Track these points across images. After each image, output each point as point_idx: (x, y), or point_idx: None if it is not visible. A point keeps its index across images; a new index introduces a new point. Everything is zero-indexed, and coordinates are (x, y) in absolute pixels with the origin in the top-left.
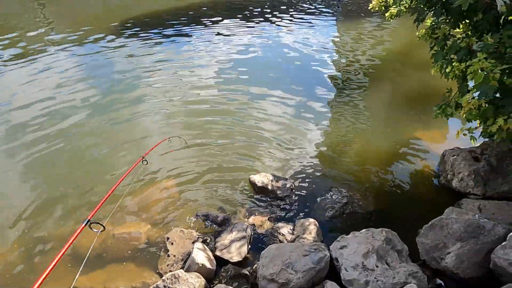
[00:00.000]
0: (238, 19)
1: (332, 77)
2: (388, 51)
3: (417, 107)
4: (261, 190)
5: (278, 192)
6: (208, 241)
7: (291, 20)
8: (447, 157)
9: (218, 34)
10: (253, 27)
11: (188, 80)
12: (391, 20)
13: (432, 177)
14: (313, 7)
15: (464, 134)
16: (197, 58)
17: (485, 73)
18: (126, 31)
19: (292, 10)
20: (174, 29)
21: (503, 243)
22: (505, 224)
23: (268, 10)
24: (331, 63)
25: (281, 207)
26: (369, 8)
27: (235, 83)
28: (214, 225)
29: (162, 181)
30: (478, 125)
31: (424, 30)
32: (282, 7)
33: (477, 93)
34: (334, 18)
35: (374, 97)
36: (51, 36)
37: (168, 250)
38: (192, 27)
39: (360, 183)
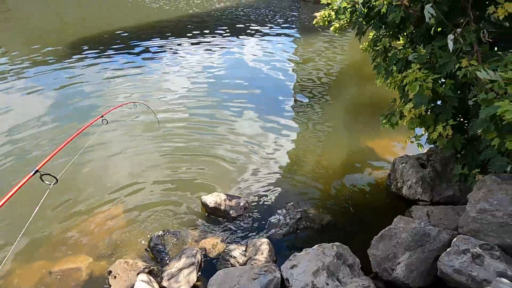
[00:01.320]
0: (201, 36)
1: (292, 90)
2: (343, 62)
3: (370, 116)
4: (214, 211)
5: (231, 212)
6: (154, 271)
7: (252, 35)
8: (397, 165)
9: (180, 51)
10: (216, 43)
11: (151, 96)
12: (337, 34)
13: (384, 186)
14: (273, 22)
15: (412, 142)
16: (159, 75)
17: (419, 83)
18: (85, 49)
19: (254, 26)
20: (138, 46)
21: (448, 250)
22: (450, 229)
23: (229, 27)
24: (291, 76)
25: (234, 227)
26: (313, 23)
27: (197, 98)
28: (162, 253)
29: (107, 205)
30: (424, 132)
31: (366, 43)
32: (243, 24)
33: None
34: (293, 33)
35: (331, 108)
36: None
37: (110, 286)
38: (155, 44)
39: (315, 196)
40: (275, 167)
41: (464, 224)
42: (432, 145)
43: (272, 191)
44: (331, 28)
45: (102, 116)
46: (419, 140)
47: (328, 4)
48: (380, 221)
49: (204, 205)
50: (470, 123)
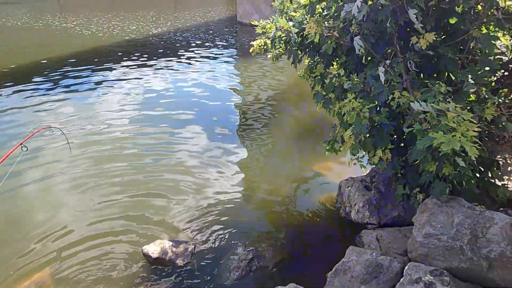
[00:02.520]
0: (140, 62)
1: (236, 114)
2: (286, 83)
3: (314, 138)
4: (157, 261)
5: (178, 260)
6: None
7: (193, 60)
8: (343, 189)
9: (118, 77)
10: (155, 69)
11: (87, 126)
12: (274, 62)
13: (334, 212)
14: (214, 46)
15: (355, 163)
16: (98, 104)
17: (356, 112)
18: (9, 80)
19: (194, 50)
20: (69, 74)
21: (401, 280)
22: (400, 254)
23: (169, 52)
24: (235, 100)
25: (182, 277)
26: (250, 51)
27: (135, 124)
28: None
29: (32, 264)
30: (365, 154)
31: (303, 70)
32: (183, 48)
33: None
34: (234, 56)
35: (276, 131)
36: None
37: None
38: (93, 71)
39: (265, 230)
40: (222, 200)
41: (413, 249)
42: (374, 165)
43: (221, 228)
44: (268, 56)
45: (21, 144)
46: (361, 161)
47: (263, 33)
48: (334, 251)
49: (146, 256)
50: (407, 147)
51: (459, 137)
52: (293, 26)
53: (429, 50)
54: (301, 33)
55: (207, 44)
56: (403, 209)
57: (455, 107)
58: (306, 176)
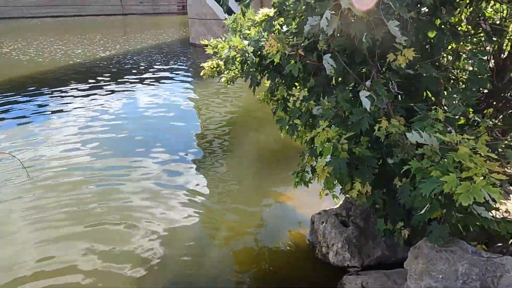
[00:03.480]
0: (88, 87)
1: (194, 139)
2: (247, 104)
3: (278, 164)
4: None
5: None
6: None
7: (146, 83)
8: (316, 225)
9: (65, 103)
10: (106, 94)
11: (37, 152)
12: (228, 86)
13: (307, 252)
14: (167, 69)
15: (326, 194)
16: (41, 131)
17: (333, 143)
18: None
19: (147, 73)
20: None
21: None
22: None
23: (119, 76)
24: (192, 124)
25: None
26: (201, 75)
27: (84, 152)
28: None
29: None
30: (336, 183)
31: (263, 93)
32: (135, 72)
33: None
34: (190, 78)
35: (237, 159)
36: None
37: None
38: (37, 96)
39: (232, 279)
40: (181, 238)
41: None
42: (348, 195)
43: (183, 274)
44: (222, 80)
45: None
46: (334, 192)
47: (215, 53)
48: None
49: None
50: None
51: (480, 183)
52: (249, 44)
53: (409, 69)
54: (259, 52)
55: (160, 66)
56: (386, 247)
57: (467, 139)
58: (272, 208)
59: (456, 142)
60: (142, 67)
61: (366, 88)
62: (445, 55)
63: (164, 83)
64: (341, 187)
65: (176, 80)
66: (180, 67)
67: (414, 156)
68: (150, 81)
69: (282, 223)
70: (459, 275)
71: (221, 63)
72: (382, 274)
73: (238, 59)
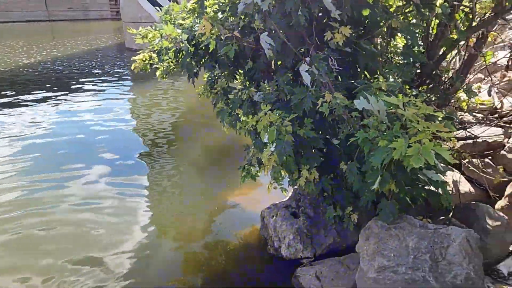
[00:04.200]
0: (10, 99)
1: (136, 144)
2: (187, 106)
3: (226, 163)
4: None
5: None
6: None
7: (80, 91)
8: (266, 220)
9: None
10: (33, 102)
11: None
12: (164, 79)
13: (260, 248)
14: (103, 74)
15: (275, 188)
16: None
17: (276, 127)
18: None
19: (81, 80)
20: None
21: None
22: None
23: (49, 84)
24: (134, 129)
25: None
26: (132, 68)
27: (16, 167)
28: None
29: None
30: (284, 174)
31: (202, 86)
32: (67, 79)
33: (274, 147)
34: (128, 82)
35: (184, 160)
36: None
37: None
38: None
39: (183, 281)
40: (128, 242)
41: None
42: (296, 187)
43: (131, 278)
44: (157, 74)
45: None
46: (282, 184)
47: (146, 45)
48: None
49: None
50: (335, 162)
51: (429, 144)
52: (183, 32)
53: (346, 47)
54: (194, 41)
55: (94, 71)
56: (337, 234)
57: (415, 101)
58: (221, 208)
59: (403, 105)
60: (75, 73)
61: (306, 63)
62: (382, 31)
63: (99, 88)
64: (289, 179)
65: (112, 84)
66: (116, 71)
67: (360, 128)
68: (84, 87)
69: (232, 222)
70: (410, 250)
71: (154, 55)
72: (335, 261)
73: (171, 50)
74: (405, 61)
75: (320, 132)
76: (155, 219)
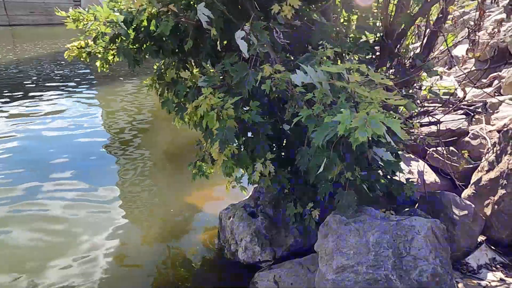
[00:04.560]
0: None
1: (100, 148)
2: (150, 106)
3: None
4: None
5: None
6: None
7: (40, 96)
8: (224, 222)
9: None
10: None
11: None
12: (105, 70)
13: (217, 253)
14: (64, 78)
15: (233, 186)
16: None
17: (216, 112)
18: None
19: (40, 84)
20: None
21: None
22: None
23: (8, 87)
24: (99, 133)
25: None
26: (65, 56)
27: None
28: None
29: None
30: (243, 171)
31: (150, 77)
32: (22, 85)
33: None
34: (92, 84)
35: (139, 163)
36: None
37: None
38: None
39: None
40: (74, 255)
41: None
42: (256, 185)
43: None
44: (97, 64)
45: None
46: (241, 182)
47: (86, 31)
48: None
49: None
50: (292, 153)
51: (378, 114)
52: (120, 13)
53: (298, 21)
54: (134, 25)
55: (55, 75)
56: (298, 233)
57: (357, 67)
58: (178, 211)
59: (348, 72)
60: (35, 78)
61: (246, 32)
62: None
63: (58, 92)
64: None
65: (73, 87)
66: (80, 73)
67: (304, 105)
68: (47, 92)
69: (189, 226)
70: (371, 246)
71: (91, 42)
72: (296, 263)
73: (107, 36)
74: (361, 36)
75: (270, 117)
76: (104, 226)
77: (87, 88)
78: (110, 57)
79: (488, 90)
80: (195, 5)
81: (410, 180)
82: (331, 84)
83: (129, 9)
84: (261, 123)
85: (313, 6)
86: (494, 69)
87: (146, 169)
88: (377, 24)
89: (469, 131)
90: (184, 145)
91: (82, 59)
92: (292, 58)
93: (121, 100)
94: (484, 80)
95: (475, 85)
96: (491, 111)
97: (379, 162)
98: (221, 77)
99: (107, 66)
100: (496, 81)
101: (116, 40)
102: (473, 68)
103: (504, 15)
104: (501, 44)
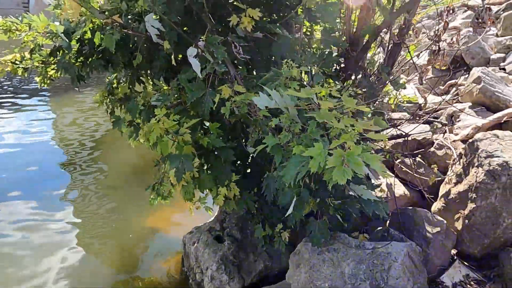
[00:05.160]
0: None
1: (54, 166)
2: (108, 121)
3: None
4: None
5: None
6: None
7: None
8: (188, 247)
9: None
10: None
11: None
12: (46, 85)
13: (182, 284)
14: (14, 91)
15: (197, 207)
16: None
17: (170, 137)
18: None
19: None
20: None
21: None
22: None
23: None
24: (54, 150)
25: None
26: None
27: None
28: None
29: None
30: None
31: (100, 92)
32: None
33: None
34: (44, 98)
35: (93, 184)
36: None
37: None
38: None
39: None
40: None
41: None
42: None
43: None
44: (37, 79)
45: None
46: (205, 202)
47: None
48: None
49: None
50: (257, 172)
51: (356, 149)
52: (60, 23)
53: (259, 32)
54: (78, 36)
55: (4, 89)
56: (268, 257)
57: (329, 90)
58: (138, 236)
59: (318, 98)
60: None
61: (199, 49)
62: (294, 14)
63: (9, 106)
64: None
65: (29, 101)
66: (32, 86)
67: (269, 131)
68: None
69: (150, 253)
70: (347, 278)
71: (27, 54)
72: None
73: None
74: (326, 49)
75: (231, 139)
76: (56, 251)
77: (39, 101)
78: (51, 72)
79: (447, 97)
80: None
81: (381, 197)
82: (299, 109)
83: (70, 19)
84: (222, 148)
85: (275, 17)
86: (450, 77)
87: (103, 189)
88: (342, 36)
89: (434, 140)
90: (144, 162)
91: (19, 75)
92: (255, 73)
93: (77, 113)
94: (441, 87)
95: (440, 93)
96: (455, 122)
97: (357, 198)
98: (175, 95)
99: (48, 81)
100: (453, 89)
101: (57, 53)
102: (431, 76)
103: (457, 23)
104: (454, 52)
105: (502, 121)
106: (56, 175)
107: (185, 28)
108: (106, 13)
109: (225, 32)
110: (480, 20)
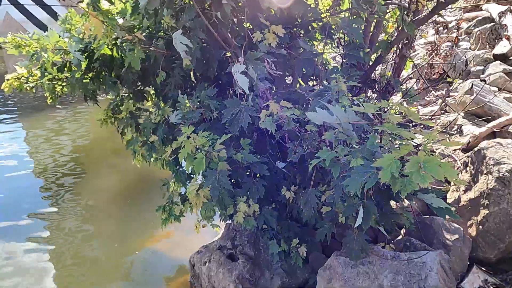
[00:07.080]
0: None
1: (38, 191)
2: (99, 134)
3: (144, 202)
4: None
5: None
6: None
7: None
8: (198, 268)
9: None
10: None
11: None
12: (55, 104)
13: None
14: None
15: (203, 226)
16: None
17: (205, 153)
18: None
19: None
20: None
21: None
22: None
23: None
24: (32, 170)
25: None
26: (3, 88)
27: None
28: None
29: None
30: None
31: (104, 111)
32: None
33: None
34: (18, 115)
35: (88, 204)
36: None
37: None
38: None
39: None
40: None
41: None
42: (229, 221)
43: None
44: (48, 101)
45: None
46: (212, 219)
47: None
48: None
49: None
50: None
51: (432, 158)
52: (71, 39)
53: (281, 49)
54: (88, 53)
55: None
56: (285, 273)
57: (390, 104)
58: (140, 257)
59: (381, 111)
60: None
61: (239, 63)
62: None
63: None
64: (219, 213)
65: (8, 121)
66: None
67: (319, 147)
68: None
69: (154, 274)
70: None
71: (37, 72)
72: None
73: (57, 63)
74: (351, 63)
75: (260, 155)
76: (58, 278)
77: (11, 121)
78: (58, 88)
79: (436, 108)
80: (163, 33)
81: (405, 209)
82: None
83: (80, 35)
84: (256, 163)
85: (297, 33)
86: (434, 88)
87: (95, 210)
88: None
89: (435, 150)
90: (133, 183)
91: (27, 91)
92: (274, 89)
93: (53, 133)
94: (427, 99)
95: (424, 104)
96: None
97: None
98: (199, 112)
99: (56, 99)
100: (440, 100)
101: (65, 69)
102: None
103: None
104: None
105: (497, 130)
106: (34, 200)
107: (207, 45)
108: (129, 30)
109: (249, 48)
110: (494, 36)
